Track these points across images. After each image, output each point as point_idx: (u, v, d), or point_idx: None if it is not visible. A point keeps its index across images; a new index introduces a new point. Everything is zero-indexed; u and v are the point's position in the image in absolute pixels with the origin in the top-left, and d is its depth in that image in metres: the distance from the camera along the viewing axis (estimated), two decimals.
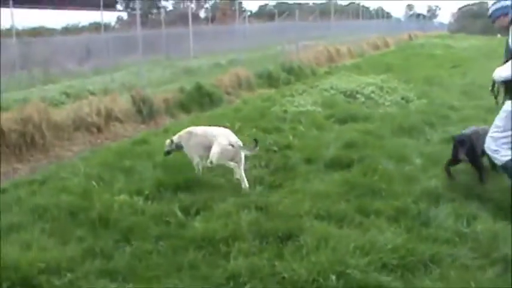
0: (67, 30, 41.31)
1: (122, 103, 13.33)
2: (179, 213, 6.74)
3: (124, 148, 10.42)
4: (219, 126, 8.89)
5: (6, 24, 25.61)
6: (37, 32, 32.85)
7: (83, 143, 11.79)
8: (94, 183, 8.01)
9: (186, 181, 7.84)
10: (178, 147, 8.78)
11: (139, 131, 12.95)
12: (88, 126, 12.15)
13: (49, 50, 24.80)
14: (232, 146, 8.09)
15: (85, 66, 24.77)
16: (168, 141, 9.03)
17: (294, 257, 5.48)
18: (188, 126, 8.67)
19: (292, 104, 14.73)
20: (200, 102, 15.23)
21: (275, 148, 9.76)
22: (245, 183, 7.87)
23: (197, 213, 6.82)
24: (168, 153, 8.98)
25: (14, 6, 23.31)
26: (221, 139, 8.17)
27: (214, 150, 8.09)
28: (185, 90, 15.32)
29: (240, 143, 8.13)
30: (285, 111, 13.68)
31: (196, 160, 8.51)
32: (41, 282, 5.17)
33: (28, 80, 20.33)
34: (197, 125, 9.08)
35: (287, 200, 7.17)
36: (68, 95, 16.22)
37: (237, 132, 10.66)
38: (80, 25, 44.11)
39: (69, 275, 5.34)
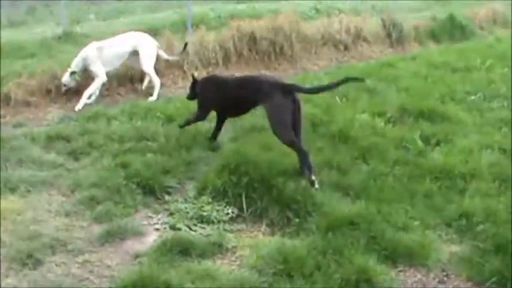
0: None
1: (371, 25, 13.21)
2: (419, 141, 6.58)
3: (370, 69, 10.38)
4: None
5: None
6: None
7: (329, 59, 11.94)
8: (337, 99, 8.11)
9: (429, 110, 7.60)
10: (84, 70, 9.02)
11: (386, 54, 12.77)
12: (336, 43, 12.23)
13: None
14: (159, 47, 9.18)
15: None
16: (66, 75, 8.95)
17: None
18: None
19: None
20: (451, 33, 14.55)
21: None
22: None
23: (437, 144, 6.64)
24: (69, 90, 9.03)
25: None
26: (148, 41, 9.29)
27: (146, 53, 9.15)
28: (437, 19, 14.76)
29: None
30: None
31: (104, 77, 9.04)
32: (277, 184, 5.37)
33: None
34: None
35: None
36: (317, 10, 16.38)
37: (488, 70, 10.18)
38: None
39: (303, 182, 5.50)
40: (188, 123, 7.07)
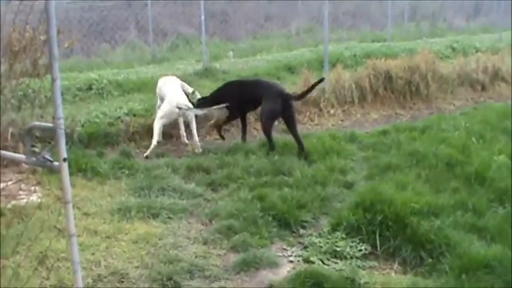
0: None
1: (510, 64, 12.91)
2: None
3: (507, 109, 10.14)
4: None
5: None
6: None
7: (465, 99, 11.85)
8: (474, 139, 8.01)
9: None
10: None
11: None
12: (472, 83, 12.10)
13: (436, 4, 24.80)
14: (180, 108, 8.14)
15: (472, 23, 24.34)
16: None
17: None
18: None
19: None
20: None
21: None
22: (198, 147, 8.36)
23: None
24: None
25: None
26: (169, 97, 8.28)
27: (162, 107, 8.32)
28: None
29: (189, 105, 8.28)
30: None
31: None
32: (412, 222, 5.37)
33: (415, 32, 20.74)
34: None
35: None
36: (453, 49, 16.19)
37: None
38: None
39: (437, 222, 5.46)
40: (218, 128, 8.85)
